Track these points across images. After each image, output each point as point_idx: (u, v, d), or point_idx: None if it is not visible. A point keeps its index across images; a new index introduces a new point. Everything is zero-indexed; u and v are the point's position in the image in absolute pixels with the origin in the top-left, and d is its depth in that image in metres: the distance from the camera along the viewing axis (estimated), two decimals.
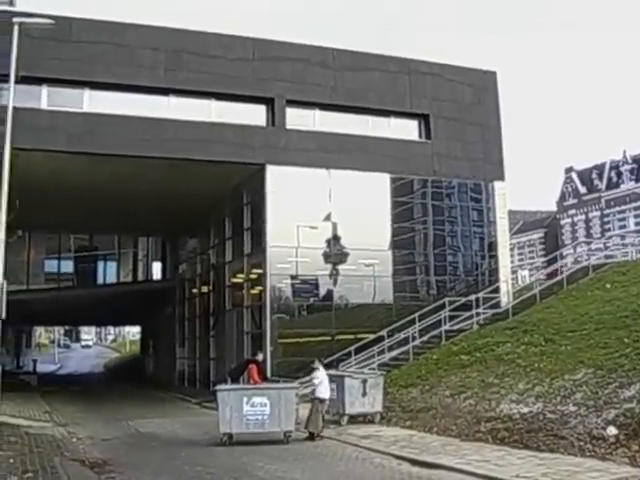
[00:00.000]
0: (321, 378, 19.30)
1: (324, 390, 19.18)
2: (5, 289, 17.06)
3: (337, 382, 20.51)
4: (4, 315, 17.22)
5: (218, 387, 19.00)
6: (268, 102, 28.69)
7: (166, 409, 27.89)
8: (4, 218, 17.41)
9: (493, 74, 32.86)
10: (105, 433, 20.60)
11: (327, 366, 21.70)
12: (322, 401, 19.02)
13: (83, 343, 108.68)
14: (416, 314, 28.24)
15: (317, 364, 19.79)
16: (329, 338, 28.17)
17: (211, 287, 36.51)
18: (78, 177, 28.49)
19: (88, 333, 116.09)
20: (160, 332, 49.77)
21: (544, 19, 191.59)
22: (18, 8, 26.35)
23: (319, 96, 29.12)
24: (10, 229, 18.17)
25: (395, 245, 30.01)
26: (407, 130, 31.13)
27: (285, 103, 28.68)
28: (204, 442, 18.41)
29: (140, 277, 50.76)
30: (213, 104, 28.03)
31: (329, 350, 27.20)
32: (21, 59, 19.31)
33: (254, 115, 28.61)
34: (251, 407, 17.94)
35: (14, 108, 18.61)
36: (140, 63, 27.01)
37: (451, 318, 28.12)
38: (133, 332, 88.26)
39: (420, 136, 31.36)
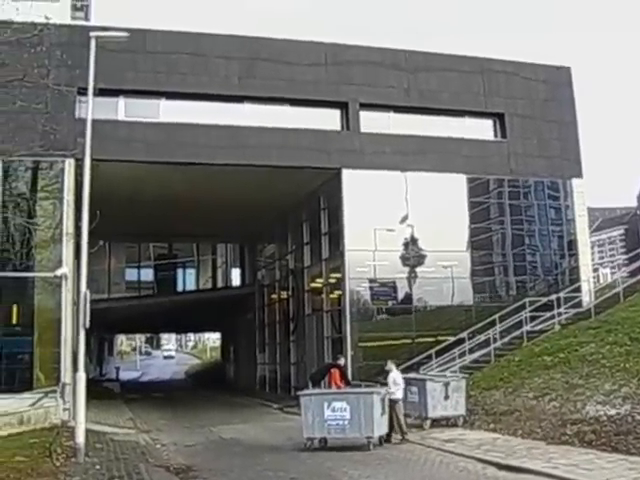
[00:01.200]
0: (396, 379, 19.23)
1: (398, 391, 19.08)
2: (89, 298, 17.31)
3: (419, 386, 20.33)
4: (88, 324, 17.50)
5: (300, 392, 19.00)
6: (342, 106, 28.64)
7: (248, 415, 28.01)
8: (86, 228, 17.67)
9: (567, 70, 32.16)
10: (188, 439, 20.81)
11: (408, 369, 21.50)
12: (396, 402, 18.89)
13: (165, 354, 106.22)
14: (496, 315, 27.79)
15: (390, 365, 19.70)
16: (409, 341, 27.93)
17: (290, 292, 36.61)
18: (156, 186, 28.90)
19: (168, 340, 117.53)
20: (240, 338, 50.07)
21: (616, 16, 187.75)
22: (93, 22, 26.97)
23: (392, 98, 28.93)
24: (92, 239, 18.43)
25: (473, 246, 29.63)
26: (482, 130, 30.69)
27: (359, 107, 28.60)
28: (287, 447, 18.44)
29: (219, 284, 51.22)
30: (287, 110, 28.08)
31: (409, 353, 26.99)
32: (98, 72, 19.59)
33: (328, 120, 28.58)
34: (332, 412, 17.87)
35: (93, 120, 18.89)
36: (215, 72, 27.26)
37: (532, 319, 27.54)
38: (213, 338, 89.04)
39: (495, 135, 30.88)
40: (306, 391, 19.30)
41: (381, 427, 18.07)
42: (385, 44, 29.59)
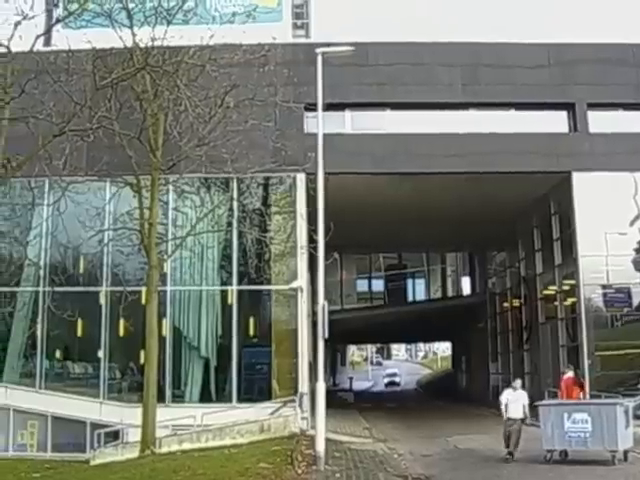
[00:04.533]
0: (508, 397, 18.86)
1: (511, 410, 18.55)
2: (327, 310, 17.75)
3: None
4: (327, 335, 17.91)
5: (539, 402, 18.48)
6: (568, 107, 27.57)
7: (483, 425, 27.46)
8: (322, 241, 18.10)
9: None
10: (424, 449, 20.71)
11: None
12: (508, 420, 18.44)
13: (387, 378, 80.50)
14: None
15: (516, 383, 19.39)
16: None
17: (522, 300, 35.74)
18: (383, 197, 29.08)
19: (398, 350, 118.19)
20: (471, 347, 49.51)
21: None
22: (314, 39, 27.70)
23: (621, 96, 27.43)
24: (328, 251, 18.86)
25: None
26: None
27: (586, 107, 27.43)
28: (525, 459, 17.91)
29: (449, 293, 50.96)
30: (511, 114, 27.47)
31: None
32: (324, 87, 20.06)
33: (552, 122, 27.66)
34: (572, 423, 17.20)
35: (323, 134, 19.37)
36: (438, 80, 27.08)
37: None
38: (443, 348, 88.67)
39: None
40: (545, 402, 18.71)
41: (626, 441, 17.15)
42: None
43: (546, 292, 31.96)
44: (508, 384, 37.36)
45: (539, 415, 17.95)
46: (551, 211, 30.24)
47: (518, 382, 19.49)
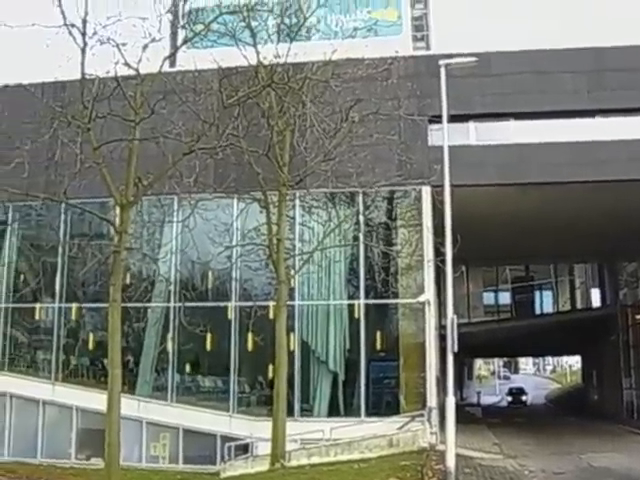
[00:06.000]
0: None
1: None
2: (456, 323, 17.64)
3: None
4: (456, 349, 17.78)
5: None
6: None
7: (617, 443, 26.63)
8: (450, 254, 18.02)
9: None
10: (556, 467, 20.16)
11: None
12: None
13: (511, 398, 67.97)
14: None
15: None
16: None
17: None
18: (509, 207, 28.66)
19: (526, 364, 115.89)
20: (602, 361, 48.10)
21: None
22: (434, 51, 27.62)
23: None
24: (454, 264, 18.74)
25: None
26: None
27: None
28: None
29: (578, 305, 49.81)
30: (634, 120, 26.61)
31: None
32: (448, 98, 19.99)
33: None
34: None
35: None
36: (562, 88, 26.50)
37: None
38: (572, 362, 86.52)
39: None
40: None
41: None
42: None
43: None
44: None
45: None
46: None
47: None
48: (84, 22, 17.74)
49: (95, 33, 17.93)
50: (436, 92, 20.37)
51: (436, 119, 21.05)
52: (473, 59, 20.58)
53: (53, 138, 21.32)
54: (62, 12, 17.56)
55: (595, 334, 45.78)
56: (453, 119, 21.27)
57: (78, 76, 18.21)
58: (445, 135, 19.47)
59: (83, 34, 17.82)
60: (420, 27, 32.79)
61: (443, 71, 19.89)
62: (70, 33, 17.81)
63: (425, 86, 23.98)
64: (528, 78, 26.57)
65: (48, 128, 20.94)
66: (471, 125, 26.52)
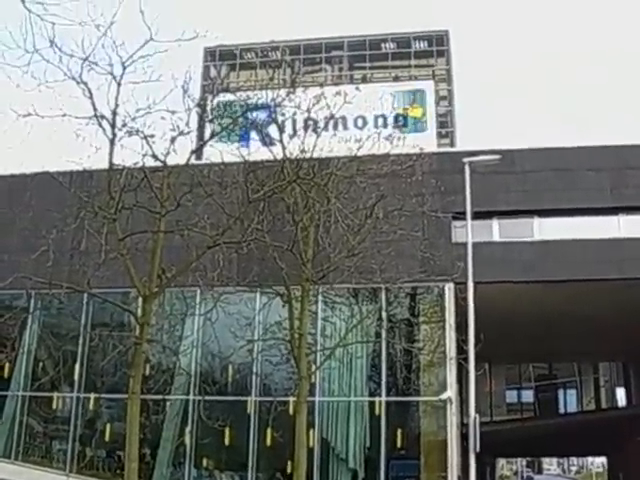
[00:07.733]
0: None
1: None
2: (478, 422, 17.35)
3: None
4: (479, 448, 17.45)
5: None
6: None
7: None
8: (473, 352, 17.84)
9: None
10: None
11: None
12: None
13: None
14: None
15: None
16: None
17: None
18: (533, 304, 28.43)
19: (550, 464, 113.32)
20: (629, 463, 46.95)
21: None
22: (459, 147, 27.87)
23: None
24: (477, 361, 18.54)
25: None
26: None
27: None
28: None
29: (603, 404, 49.03)
30: None
31: None
32: (472, 195, 20.08)
33: None
34: None
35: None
36: (585, 185, 26.58)
37: None
38: (597, 463, 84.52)
39: None
40: None
41: None
42: None
43: None
44: None
45: None
46: None
47: None
48: (114, 114, 17.93)
49: (125, 125, 18.10)
50: (460, 189, 20.53)
51: (460, 216, 21.12)
52: (497, 157, 20.80)
53: (79, 227, 21.52)
54: (93, 103, 17.79)
55: (621, 434, 44.88)
56: (477, 216, 21.36)
57: (106, 166, 18.35)
58: (469, 232, 19.50)
59: (112, 126, 18.01)
60: (445, 124, 33.22)
61: (467, 168, 20.05)
62: (100, 124, 18.02)
63: (449, 183, 24.09)
64: (551, 175, 26.66)
65: (74, 217, 21.15)
66: (495, 222, 26.55)
